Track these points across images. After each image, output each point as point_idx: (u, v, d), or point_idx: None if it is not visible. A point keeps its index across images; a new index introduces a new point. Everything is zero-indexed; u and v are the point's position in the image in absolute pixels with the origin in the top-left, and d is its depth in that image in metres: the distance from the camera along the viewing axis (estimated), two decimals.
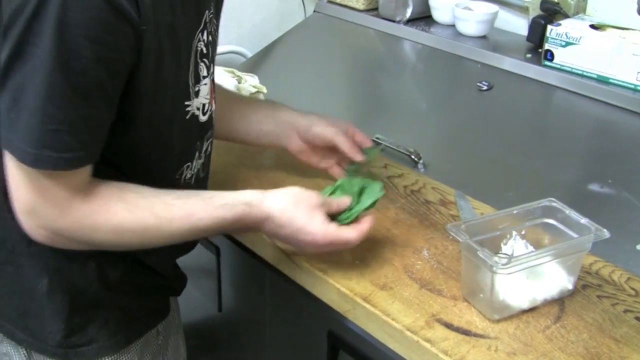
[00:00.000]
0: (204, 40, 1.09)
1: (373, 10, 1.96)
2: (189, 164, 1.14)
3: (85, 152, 0.93)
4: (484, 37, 1.77)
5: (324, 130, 1.29)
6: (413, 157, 1.47)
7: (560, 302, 1.07)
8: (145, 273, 1.14)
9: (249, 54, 2.07)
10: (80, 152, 0.93)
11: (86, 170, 0.96)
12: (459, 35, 1.79)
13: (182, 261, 1.27)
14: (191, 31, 1.05)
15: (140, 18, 0.91)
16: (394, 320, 1.02)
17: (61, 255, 1.05)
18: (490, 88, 1.60)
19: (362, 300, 1.07)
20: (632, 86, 1.45)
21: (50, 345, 1.08)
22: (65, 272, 1.06)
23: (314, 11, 2.08)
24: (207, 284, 1.59)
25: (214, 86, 1.17)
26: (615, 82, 1.47)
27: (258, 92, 1.66)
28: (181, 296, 1.33)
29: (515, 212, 1.09)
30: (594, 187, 1.31)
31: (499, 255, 1.00)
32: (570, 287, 1.07)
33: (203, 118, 1.13)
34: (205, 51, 1.10)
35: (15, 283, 1.07)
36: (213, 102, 1.16)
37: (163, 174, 1.09)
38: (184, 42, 1.03)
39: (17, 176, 0.94)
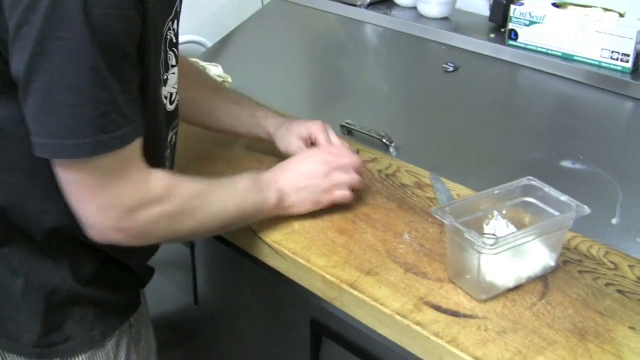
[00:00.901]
0: (173, 29, 1.10)
1: None
2: (165, 153, 1.14)
3: (132, 125, 0.94)
4: (446, 18, 1.78)
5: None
6: (384, 140, 1.47)
7: (544, 278, 1.08)
8: (116, 268, 1.13)
9: (209, 44, 2.04)
10: (128, 127, 0.93)
11: (140, 145, 0.96)
12: (421, 17, 1.80)
13: (156, 254, 1.26)
14: (164, 18, 1.05)
15: None
16: (383, 305, 1.02)
17: (36, 254, 1.04)
18: (456, 69, 1.61)
19: (349, 286, 1.06)
20: (597, 62, 1.47)
21: (26, 345, 1.06)
22: (40, 271, 1.04)
23: None
24: (181, 277, 1.57)
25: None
26: (580, 59, 1.49)
27: (224, 81, 1.64)
28: (155, 290, 1.31)
29: (496, 192, 1.10)
30: (567, 163, 1.33)
31: (485, 235, 1.01)
32: (552, 263, 1.09)
33: (170, 107, 1.14)
34: (174, 40, 1.11)
35: None
36: (178, 92, 1.16)
37: (157, 162, 1.09)
38: (160, 29, 1.03)
39: (78, 180, 0.93)
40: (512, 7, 1.56)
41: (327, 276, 1.09)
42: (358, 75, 1.74)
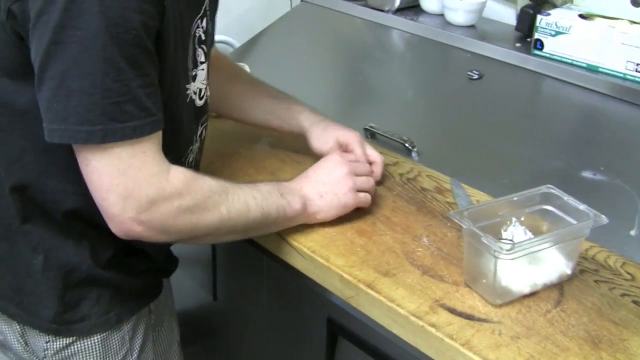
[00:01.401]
0: (202, 27, 1.12)
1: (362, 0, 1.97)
2: (191, 147, 1.17)
3: (150, 118, 0.96)
4: (472, 26, 1.79)
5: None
6: (407, 145, 1.48)
7: (560, 286, 1.09)
8: (136, 255, 1.16)
9: (237, 44, 2.07)
10: (145, 119, 0.95)
11: (158, 139, 0.98)
12: (447, 24, 1.81)
13: (177, 249, 1.28)
14: (191, 16, 1.08)
15: None
16: (399, 306, 1.04)
17: (56, 233, 1.08)
18: (480, 77, 1.62)
19: (366, 286, 1.08)
20: (621, 75, 1.48)
21: (44, 321, 1.10)
22: (60, 249, 1.08)
23: (302, 0, 2.08)
24: (201, 273, 1.60)
25: (209, 73, 1.19)
26: (605, 70, 1.50)
27: None
28: (175, 285, 1.34)
29: (515, 199, 1.11)
30: (587, 174, 1.34)
31: (502, 241, 1.02)
32: (569, 272, 1.09)
33: (199, 102, 1.16)
34: (203, 38, 1.13)
35: (10, 259, 1.09)
36: (208, 88, 1.19)
37: (175, 157, 1.10)
38: (185, 26, 1.06)
39: (97, 167, 0.95)
40: (539, 17, 1.57)
41: (345, 275, 1.10)
42: (383, 80, 1.76)
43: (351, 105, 1.69)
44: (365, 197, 1.22)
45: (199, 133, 1.20)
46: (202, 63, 1.14)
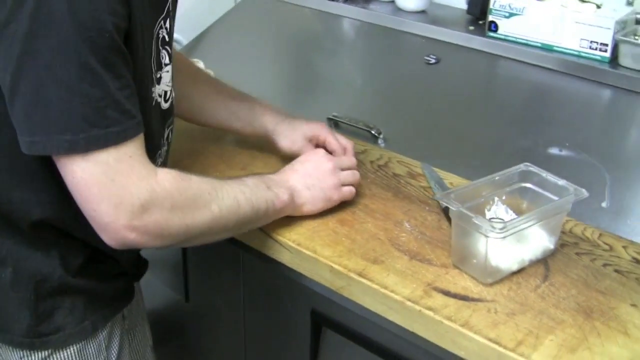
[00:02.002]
0: (166, 28, 1.10)
1: None
2: (159, 150, 1.15)
3: (132, 121, 0.94)
4: (423, 11, 1.80)
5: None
6: (373, 132, 1.49)
7: (544, 261, 1.11)
8: (107, 261, 1.13)
9: (184, 41, 2.03)
10: (128, 123, 0.93)
11: (141, 141, 0.96)
12: (398, 10, 1.82)
13: (146, 251, 1.25)
14: (155, 17, 1.06)
15: None
16: (393, 292, 1.04)
17: (24, 244, 1.05)
18: (438, 61, 1.64)
19: (358, 275, 1.08)
20: (576, 52, 1.51)
21: (17, 336, 1.07)
22: (28, 260, 1.05)
23: None
24: (172, 274, 1.57)
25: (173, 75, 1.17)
26: (559, 49, 1.53)
27: None
28: (145, 288, 1.31)
29: (497, 178, 1.13)
30: (554, 150, 1.37)
31: (494, 220, 1.04)
32: (552, 247, 1.12)
33: (165, 105, 1.14)
34: (167, 39, 1.11)
35: None
36: (173, 90, 1.17)
37: None
38: (149, 28, 1.04)
39: (84, 177, 0.92)
40: None
41: (334, 266, 1.10)
42: (340, 69, 1.76)
43: (310, 97, 1.69)
44: (349, 191, 1.22)
45: (165, 136, 1.18)
46: (166, 65, 1.12)
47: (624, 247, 1.16)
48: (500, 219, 1.07)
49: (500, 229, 0.99)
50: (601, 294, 1.05)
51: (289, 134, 1.32)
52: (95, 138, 0.90)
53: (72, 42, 0.87)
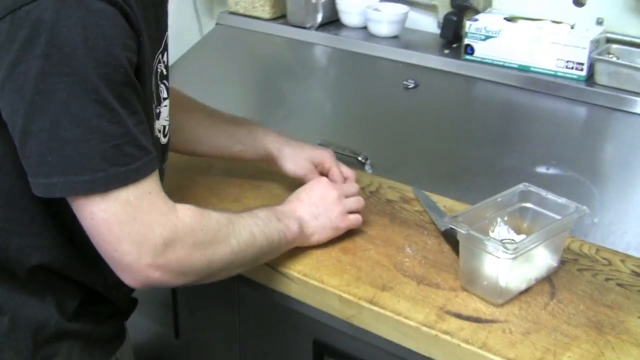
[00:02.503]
0: (163, 62, 1.09)
1: (280, 18, 1.97)
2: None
3: (149, 156, 0.92)
4: (395, 37, 1.82)
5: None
6: (360, 158, 1.50)
7: (549, 279, 1.13)
8: (101, 302, 1.11)
9: None
10: (145, 159, 0.92)
11: (158, 177, 0.95)
12: (371, 36, 1.84)
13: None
14: (154, 51, 1.05)
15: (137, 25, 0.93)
16: (407, 318, 1.05)
17: (19, 291, 1.01)
18: (416, 85, 1.66)
19: (369, 303, 1.08)
20: (552, 72, 1.55)
21: None
22: (25, 307, 1.02)
23: (217, 24, 2.06)
24: (160, 310, 1.54)
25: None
26: (536, 69, 1.57)
27: None
28: (132, 327, 1.28)
29: (499, 199, 1.14)
30: (541, 169, 1.40)
31: (506, 242, 1.05)
32: (555, 264, 1.14)
33: (164, 140, 1.14)
34: (165, 73, 1.10)
35: None
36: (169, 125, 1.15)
37: None
38: (150, 62, 1.02)
39: (105, 217, 0.90)
40: (468, 22, 1.63)
41: (344, 295, 1.10)
42: (318, 97, 1.77)
43: (291, 125, 1.68)
44: (356, 219, 1.22)
45: (163, 172, 1.16)
46: (164, 99, 1.11)
47: (621, 260, 1.19)
48: (511, 239, 1.09)
49: (514, 249, 1.00)
50: (609, 308, 1.07)
51: (294, 158, 1.32)
52: (115, 177, 0.88)
53: (89, 79, 0.85)
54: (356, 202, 1.23)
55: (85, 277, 1.06)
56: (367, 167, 1.49)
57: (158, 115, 1.09)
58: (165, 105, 1.11)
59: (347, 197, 1.22)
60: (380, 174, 1.46)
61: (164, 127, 1.12)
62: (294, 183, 1.31)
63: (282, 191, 1.36)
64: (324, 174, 1.31)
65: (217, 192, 1.38)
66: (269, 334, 1.35)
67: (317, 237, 1.18)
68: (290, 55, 1.93)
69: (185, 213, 0.97)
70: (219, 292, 1.39)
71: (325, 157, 1.31)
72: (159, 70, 1.07)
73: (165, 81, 1.11)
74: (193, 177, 1.43)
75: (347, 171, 1.32)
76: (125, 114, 0.89)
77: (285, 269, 1.16)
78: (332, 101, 1.75)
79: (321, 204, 1.18)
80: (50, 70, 0.85)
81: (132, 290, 1.20)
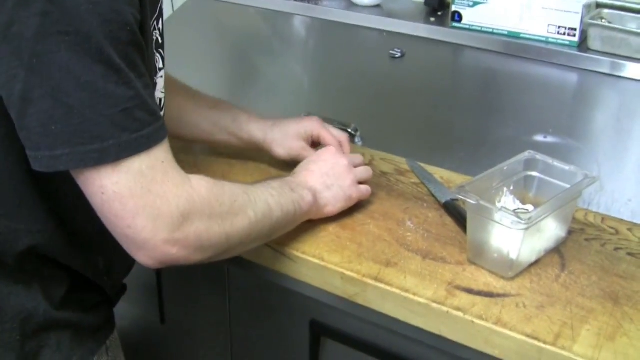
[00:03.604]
0: (159, 29, 1.01)
1: None
2: None
3: (159, 122, 0.85)
4: (378, 5, 1.76)
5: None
6: (350, 130, 1.44)
7: (557, 250, 1.09)
8: (89, 289, 1.05)
9: None
10: (157, 124, 0.84)
11: (169, 145, 0.87)
12: (352, 5, 1.77)
13: None
14: (151, 17, 0.96)
15: None
16: (415, 295, 1.00)
17: (6, 279, 0.94)
18: (403, 55, 1.61)
19: (374, 280, 1.03)
20: (544, 39, 1.51)
21: None
22: (11, 296, 0.95)
23: None
24: (145, 296, 1.48)
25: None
26: (527, 36, 1.52)
27: None
28: (117, 313, 1.22)
29: (505, 168, 1.09)
30: (539, 137, 1.36)
31: (519, 212, 1.00)
32: (563, 235, 1.10)
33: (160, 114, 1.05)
34: (160, 41, 1.02)
35: None
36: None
37: None
38: (149, 30, 0.94)
39: (117, 190, 0.82)
40: None
41: (346, 272, 1.05)
42: (301, 69, 1.71)
43: (277, 99, 1.62)
44: (366, 189, 1.18)
45: None
46: (160, 69, 1.03)
47: (629, 229, 1.15)
48: (523, 209, 1.04)
49: (527, 220, 0.95)
50: (622, 279, 1.03)
51: (282, 141, 1.25)
52: (126, 144, 0.81)
53: (93, 38, 0.77)
54: (365, 171, 1.19)
55: (75, 263, 0.99)
56: (357, 140, 1.44)
57: (155, 85, 1.01)
58: (161, 76, 1.04)
59: (355, 166, 1.17)
60: (372, 146, 1.41)
61: (160, 99, 1.05)
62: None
63: (270, 166, 1.31)
64: (316, 143, 1.25)
65: (204, 169, 1.31)
66: (262, 316, 1.29)
67: (331, 208, 1.13)
68: (268, 27, 1.86)
69: (200, 184, 0.90)
70: (207, 272, 1.34)
71: (313, 126, 1.25)
72: (155, 37, 0.99)
73: (161, 50, 1.03)
74: (177, 155, 1.35)
75: (338, 133, 1.26)
76: (135, 76, 0.82)
77: (282, 247, 1.10)
78: (315, 73, 1.69)
79: (332, 173, 1.13)
80: (49, 29, 0.77)
81: (123, 275, 1.14)
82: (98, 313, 1.07)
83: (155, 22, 0.99)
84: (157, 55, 1.01)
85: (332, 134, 1.25)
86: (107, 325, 1.10)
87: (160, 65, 1.03)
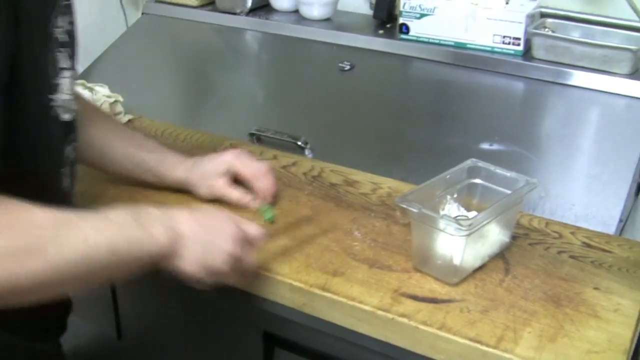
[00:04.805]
0: (62, 27, 0.95)
1: (208, 5, 1.90)
2: (63, 169, 1.01)
3: None
4: (328, 19, 1.78)
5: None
6: (300, 143, 1.45)
7: (502, 255, 1.11)
8: (35, 312, 1.01)
9: (79, 67, 1.92)
10: None
11: None
12: (302, 19, 1.80)
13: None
14: (46, 13, 0.92)
15: None
16: (361, 303, 1.01)
17: None
18: (352, 67, 1.63)
19: (321, 290, 1.04)
20: (489, 48, 1.54)
21: None
22: None
23: (143, 13, 1.98)
24: (100, 312, 1.47)
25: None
26: (473, 46, 1.55)
27: (116, 101, 1.55)
28: (73, 331, 1.21)
29: (448, 177, 1.11)
30: (485, 145, 1.38)
31: (460, 219, 1.02)
32: (507, 240, 1.12)
33: (65, 117, 0.98)
34: (62, 40, 0.96)
35: None
36: (75, 102, 1.01)
37: (43, 181, 0.97)
38: (40, 24, 0.90)
39: None
40: (402, 1, 1.60)
41: (294, 283, 1.06)
42: (252, 83, 1.72)
43: (226, 114, 1.63)
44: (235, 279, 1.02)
45: (65, 154, 1.01)
46: (64, 70, 0.96)
47: (572, 233, 1.17)
48: (464, 216, 1.06)
49: (468, 226, 0.97)
50: (564, 281, 1.06)
51: (203, 181, 1.21)
52: None
53: None
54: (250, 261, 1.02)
55: None
56: (307, 152, 1.45)
57: (56, 87, 0.95)
58: (66, 77, 0.97)
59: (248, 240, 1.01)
60: (321, 158, 1.42)
61: (64, 101, 0.97)
62: None
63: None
64: (239, 178, 1.23)
65: (134, 191, 1.27)
66: (216, 328, 1.29)
67: (187, 265, 0.96)
68: (220, 43, 1.87)
69: None
70: (160, 288, 1.33)
71: (230, 161, 1.21)
72: (55, 35, 0.94)
73: (63, 49, 0.96)
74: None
75: (258, 167, 1.22)
76: None
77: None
78: (266, 87, 1.70)
79: (215, 228, 0.98)
80: None
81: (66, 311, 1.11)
82: (49, 339, 1.06)
83: (54, 20, 0.93)
84: (59, 54, 0.95)
85: (250, 167, 1.21)
86: (58, 354, 1.09)
87: (64, 65, 0.96)
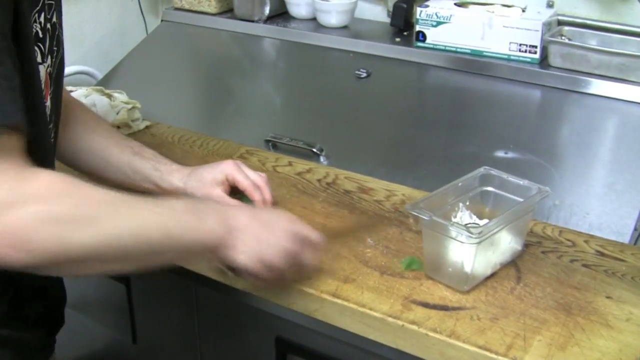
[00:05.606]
0: (40, 23, 0.98)
1: (227, 12, 1.92)
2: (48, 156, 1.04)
3: (7, 107, 0.80)
4: (345, 27, 1.79)
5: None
6: (315, 150, 1.46)
7: (514, 263, 1.11)
8: (31, 303, 1.03)
9: (98, 74, 1.95)
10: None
11: (16, 140, 0.82)
12: (320, 27, 1.81)
13: (86, 293, 1.14)
14: (30, 10, 0.94)
15: None
16: (372, 309, 1.01)
17: None
18: (369, 75, 1.63)
19: (331, 296, 1.04)
20: (506, 56, 1.54)
21: None
22: None
23: (162, 21, 2.00)
24: (116, 316, 1.49)
25: (50, 81, 1.03)
26: (489, 54, 1.55)
27: (133, 107, 1.57)
28: (88, 334, 1.23)
29: (460, 184, 1.11)
30: (500, 153, 1.38)
31: (470, 227, 1.02)
32: (519, 248, 1.11)
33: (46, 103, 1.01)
34: (41, 35, 0.98)
35: None
36: (48, 97, 1.02)
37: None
38: (26, 18, 0.92)
39: None
40: (418, 9, 1.60)
41: (305, 289, 1.06)
42: (270, 90, 1.73)
43: (243, 120, 1.64)
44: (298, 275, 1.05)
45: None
46: (39, 64, 0.98)
47: (585, 241, 1.17)
48: (475, 224, 1.06)
49: (478, 234, 0.97)
50: (576, 290, 1.05)
51: (200, 190, 1.21)
52: None
53: None
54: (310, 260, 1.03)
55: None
56: (322, 159, 1.46)
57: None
58: (38, 71, 0.98)
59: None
60: (336, 165, 1.43)
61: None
62: None
63: None
64: (235, 188, 1.22)
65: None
66: (230, 334, 1.30)
67: (242, 256, 0.96)
68: (238, 50, 1.89)
69: (44, 179, 0.82)
70: (175, 293, 1.35)
71: (228, 171, 1.21)
72: (34, 30, 0.96)
73: (40, 44, 0.98)
74: None
75: (255, 177, 1.22)
76: None
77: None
78: (283, 94, 1.71)
79: (272, 225, 0.99)
80: None
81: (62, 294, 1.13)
82: (39, 331, 1.06)
83: (36, 15, 0.96)
84: (36, 48, 0.97)
85: (248, 178, 1.21)
86: (48, 345, 1.10)
87: (39, 60, 0.98)
